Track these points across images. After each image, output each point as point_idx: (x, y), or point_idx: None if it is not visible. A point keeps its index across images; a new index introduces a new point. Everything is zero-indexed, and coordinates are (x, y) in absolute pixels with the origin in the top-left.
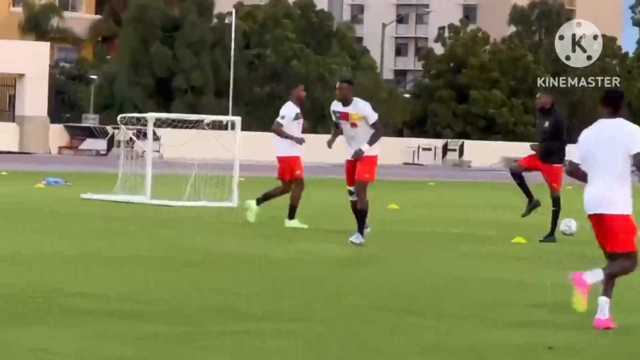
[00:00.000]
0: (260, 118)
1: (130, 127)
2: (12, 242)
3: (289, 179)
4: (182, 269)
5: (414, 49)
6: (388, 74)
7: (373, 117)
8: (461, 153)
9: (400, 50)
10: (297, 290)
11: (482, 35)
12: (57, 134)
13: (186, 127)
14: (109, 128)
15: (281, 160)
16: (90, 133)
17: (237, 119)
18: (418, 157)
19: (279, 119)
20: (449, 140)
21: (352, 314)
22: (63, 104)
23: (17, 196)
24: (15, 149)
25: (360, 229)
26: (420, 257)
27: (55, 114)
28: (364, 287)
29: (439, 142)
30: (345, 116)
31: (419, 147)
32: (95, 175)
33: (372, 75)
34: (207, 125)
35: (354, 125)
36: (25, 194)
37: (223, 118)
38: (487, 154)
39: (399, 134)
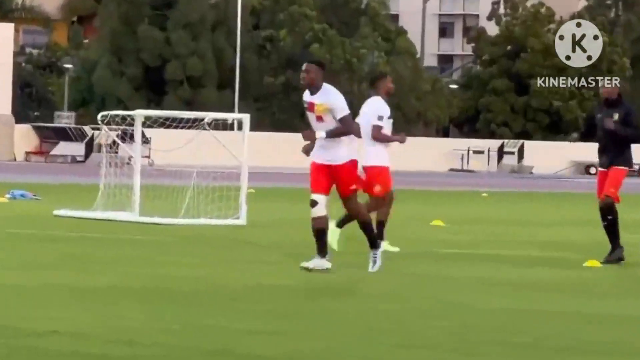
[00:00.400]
0: (273, 115)
1: (114, 127)
2: None
3: (382, 191)
4: (176, 302)
5: (461, 29)
6: (430, 60)
7: (342, 111)
8: (521, 157)
9: (445, 31)
10: (317, 327)
11: (545, 11)
12: (24, 136)
13: (182, 128)
14: (87, 129)
15: (371, 170)
16: (65, 135)
17: (245, 117)
18: (468, 162)
19: (376, 122)
20: (506, 141)
21: (392, 357)
22: (30, 99)
23: None
24: None
25: (321, 250)
26: (473, 287)
27: (21, 111)
28: (401, 323)
29: (493, 144)
30: (311, 107)
31: (468, 150)
32: (71, 187)
33: (410, 61)
34: (208, 124)
35: (319, 119)
36: None
37: (228, 116)
38: (552, 158)
39: (445, 133)
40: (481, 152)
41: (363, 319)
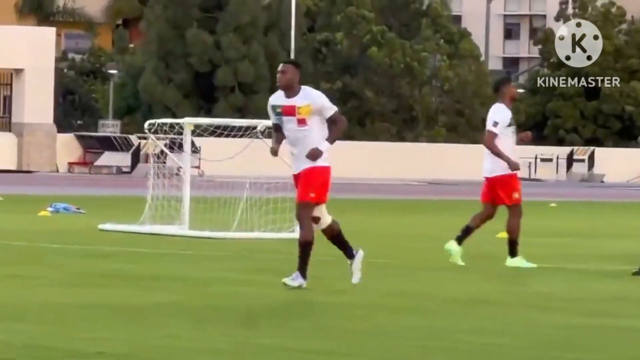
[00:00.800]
0: None
1: (162, 136)
2: (8, 290)
3: (508, 202)
4: (227, 321)
5: (528, 31)
6: (495, 64)
7: (332, 109)
8: (591, 164)
9: (510, 33)
10: (375, 346)
11: (616, 11)
12: (67, 146)
13: (234, 136)
14: (133, 138)
15: (501, 180)
16: (110, 145)
17: None
18: (535, 171)
19: (490, 127)
20: (575, 148)
21: None
22: (73, 107)
23: (16, 228)
24: (13, 167)
25: (302, 267)
26: (542, 302)
27: (64, 120)
28: (458, 342)
29: (561, 151)
30: (290, 110)
31: (536, 158)
32: (116, 199)
33: (474, 65)
34: (261, 132)
35: (302, 122)
36: (27, 225)
37: None
38: (625, 166)
39: None
40: (549, 160)
41: (421, 337)
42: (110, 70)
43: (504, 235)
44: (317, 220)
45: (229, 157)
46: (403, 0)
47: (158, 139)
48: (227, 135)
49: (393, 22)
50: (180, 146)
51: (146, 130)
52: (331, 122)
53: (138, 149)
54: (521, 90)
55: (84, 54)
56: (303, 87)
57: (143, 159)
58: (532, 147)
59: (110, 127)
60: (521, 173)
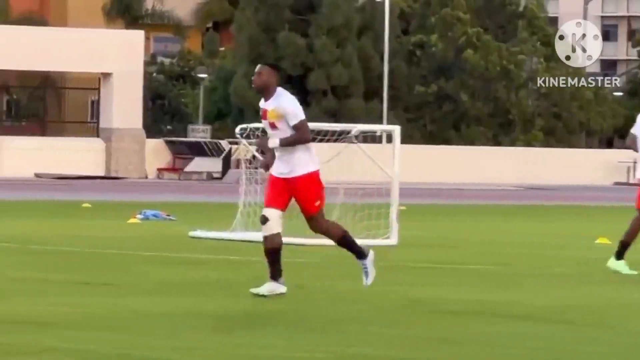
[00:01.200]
0: (424, 127)
1: (253, 141)
2: (97, 298)
3: None
4: (319, 329)
5: (626, 32)
6: (593, 66)
7: (295, 117)
8: None
9: (608, 34)
10: (475, 354)
11: None
12: (156, 152)
13: (327, 141)
14: (224, 143)
15: None
16: (200, 150)
17: (396, 129)
18: (634, 175)
19: (633, 129)
20: None
21: None
22: (163, 112)
23: (105, 236)
24: (101, 173)
25: (274, 274)
26: None
27: (153, 125)
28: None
29: None
30: (264, 114)
31: (634, 162)
32: (207, 205)
33: (571, 67)
34: (356, 137)
35: (273, 126)
36: (115, 232)
37: (376, 127)
38: None
39: (608, 144)
40: None
41: (516, 344)
42: (200, 74)
43: (604, 240)
44: (265, 220)
45: (323, 162)
46: (499, 1)
47: (250, 144)
48: (321, 140)
49: (489, 24)
50: None
51: (237, 135)
52: (295, 131)
53: (229, 154)
54: (619, 94)
55: (174, 57)
56: (279, 90)
57: (234, 165)
58: (632, 152)
59: (200, 132)
60: None
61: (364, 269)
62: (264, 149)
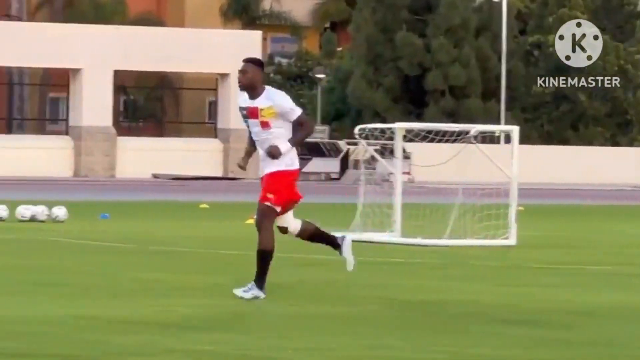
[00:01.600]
0: (542, 127)
1: (372, 141)
2: (217, 299)
3: None
4: (441, 330)
5: None
6: None
7: (295, 111)
8: None
9: None
10: (600, 357)
11: None
12: None
13: (446, 141)
14: (341, 143)
15: None
16: (318, 151)
17: (514, 129)
18: None
19: None
20: None
21: None
22: None
23: (223, 236)
24: (219, 174)
25: (259, 277)
26: None
27: None
28: None
29: None
30: (253, 113)
31: None
32: (326, 206)
33: None
34: (474, 138)
35: (265, 125)
36: (234, 233)
37: (495, 128)
38: None
39: None
40: None
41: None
42: (318, 75)
43: None
44: (284, 230)
45: (442, 163)
46: (617, 1)
47: (369, 144)
48: (439, 141)
49: (606, 24)
50: (391, 152)
51: (356, 136)
52: (297, 124)
53: (347, 154)
54: None
55: (291, 58)
56: (267, 87)
57: (352, 165)
58: None
59: (318, 133)
60: None
61: (344, 258)
62: (276, 156)
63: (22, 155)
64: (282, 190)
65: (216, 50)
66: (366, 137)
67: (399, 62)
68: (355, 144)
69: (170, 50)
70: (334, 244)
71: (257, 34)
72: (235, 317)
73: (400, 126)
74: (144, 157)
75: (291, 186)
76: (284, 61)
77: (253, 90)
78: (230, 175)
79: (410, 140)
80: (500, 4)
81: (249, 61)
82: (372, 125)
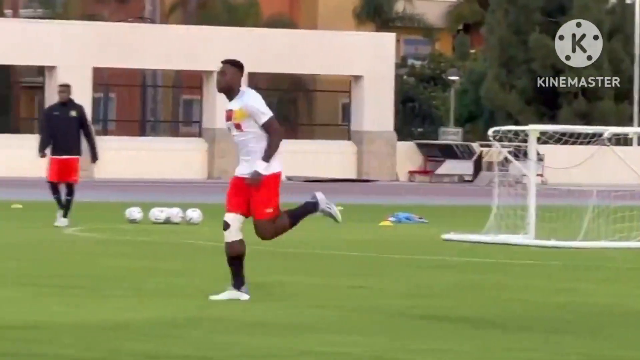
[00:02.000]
0: None
1: (506, 144)
2: (359, 301)
3: None
4: (578, 332)
5: None
6: None
7: (263, 115)
8: None
9: None
10: None
11: None
12: (407, 154)
13: (580, 143)
14: (474, 146)
15: None
16: (451, 153)
17: None
18: None
19: None
20: None
21: None
22: (413, 114)
23: (357, 239)
24: (353, 176)
25: (236, 281)
26: None
27: (404, 128)
28: None
29: None
30: (229, 115)
31: None
32: (459, 208)
33: None
34: (608, 140)
35: (238, 127)
36: (368, 235)
37: (628, 130)
38: None
39: None
40: None
41: None
42: (451, 77)
43: None
44: (227, 226)
45: (576, 165)
46: None
47: (502, 146)
48: (573, 143)
49: None
50: (525, 154)
51: (490, 138)
52: (266, 130)
53: (480, 157)
54: None
55: (424, 60)
56: (243, 89)
57: (485, 167)
58: None
59: (451, 135)
60: None
61: (328, 214)
62: (256, 183)
63: (156, 158)
64: (274, 197)
65: (349, 52)
66: (500, 139)
67: (532, 64)
68: (488, 146)
69: (303, 53)
70: (237, 283)
71: (390, 36)
72: (370, 320)
73: (534, 128)
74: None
75: (278, 190)
76: (417, 63)
77: (230, 93)
78: (364, 177)
79: (544, 143)
80: (633, 5)
81: (227, 62)
82: (505, 127)
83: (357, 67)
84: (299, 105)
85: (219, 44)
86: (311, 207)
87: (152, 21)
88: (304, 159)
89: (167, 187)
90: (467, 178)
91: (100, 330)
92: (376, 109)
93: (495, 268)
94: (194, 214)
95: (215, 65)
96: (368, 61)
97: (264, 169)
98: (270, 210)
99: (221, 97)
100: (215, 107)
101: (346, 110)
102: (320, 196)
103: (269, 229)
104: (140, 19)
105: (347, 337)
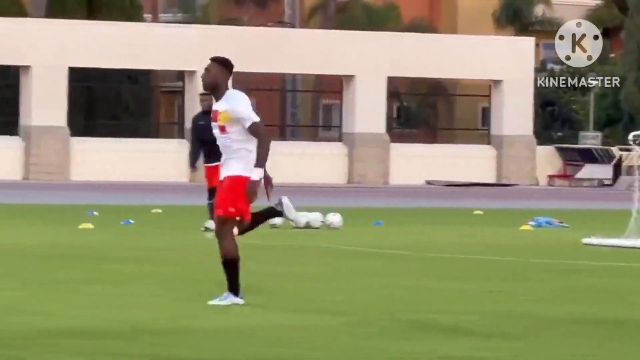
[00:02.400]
0: None
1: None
2: (497, 305)
3: None
4: None
5: None
6: None
7: (250, 119)
8: None
9: None
10: None
11: None
12: (546, 159)
13: None
14: (614, 150)
15: None
16: (590, 157)
17: None
18: None
19: None
20: None
21: None
22: (553, 118)
23: (498, 243)
24: (492, 180)
25: (232, 286)
26: None
27: (543, 132)
28: None
29: None
30: (215, 115)
31: None
32: (599, 212)
33: None
34: None
35: (222, 129)
36: (508, 239)
37: None
38: None
39: None
40: None
41: None
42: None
43: None
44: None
45: None
46: None
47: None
48: None
49: None
50: None
51: (630, 142)
52: (252, 134)
53: (620, 161)
54: None
55: (563, 64)
56: (230, 90)
57: (625, 171)
58: None
59: (590, 139)
60: None
61: (224, 297)
62: (254, 192)
63: (296, 162)
64: (237, 199)
65: (489, 56)
66: None
67: None
68: (628, 150)
69: (443, 57)
70: (231, 287)
71: (530, 41)
72: (510, 323)
73: None
74: (417, 163)
75: (244, 196)
76: (557, 67)
77: (216, 91)
78: (504, 181)
79: None
80: None
81: (214, 60)
82: None
83: (497, 71)
84: (439, 109)
85: (358, 48)
86: (276, 214)
87: (292, 25)
88: (443, 163)
89: (308, 191)
90: (606, 182)
91: (240, 335)
92: (515, 113)
93: (636, 273)
94: (334, 218)
95: (356, 70)
96: (507, 66)
97: (259, 177)
98: (232, 210)
99: (361, 102)
100: (355, 111)
101: (486, 114)
102: (285, 201)
103: (223, 230)
104: (280, 23)
105: (486, 341)
